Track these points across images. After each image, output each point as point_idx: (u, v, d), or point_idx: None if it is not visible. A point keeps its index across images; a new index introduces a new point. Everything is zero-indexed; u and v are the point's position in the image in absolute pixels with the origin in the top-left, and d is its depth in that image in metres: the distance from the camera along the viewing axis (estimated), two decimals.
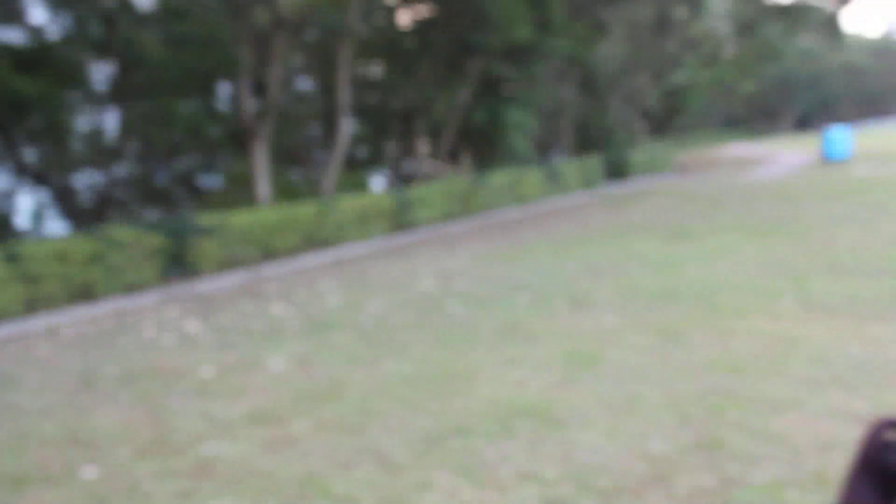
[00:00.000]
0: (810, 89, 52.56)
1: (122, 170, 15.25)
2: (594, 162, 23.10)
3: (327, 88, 17.04)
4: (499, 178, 18.47)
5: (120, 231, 10.81)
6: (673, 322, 7.08)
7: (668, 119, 31.41)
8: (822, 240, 10.99)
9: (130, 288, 10.41)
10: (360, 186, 18.55)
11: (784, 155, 31.01)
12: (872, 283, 8.12)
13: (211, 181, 17.33)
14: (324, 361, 6.73)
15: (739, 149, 37.86)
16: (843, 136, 26.07)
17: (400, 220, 15.40)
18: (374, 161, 20.57)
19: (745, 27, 29.84)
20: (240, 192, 15.52)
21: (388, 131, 19.43)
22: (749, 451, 4.45)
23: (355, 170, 19.92)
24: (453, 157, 20.61)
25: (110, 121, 15.11)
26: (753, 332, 6.61)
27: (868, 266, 8.99)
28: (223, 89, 16.96)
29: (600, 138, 25.48)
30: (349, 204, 14.38)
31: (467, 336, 7.21)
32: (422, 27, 19.23)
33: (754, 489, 4.01)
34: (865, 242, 10.53)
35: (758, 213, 14.41)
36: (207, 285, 10.77)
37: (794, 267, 9.22)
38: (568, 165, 21.67)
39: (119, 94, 14.85)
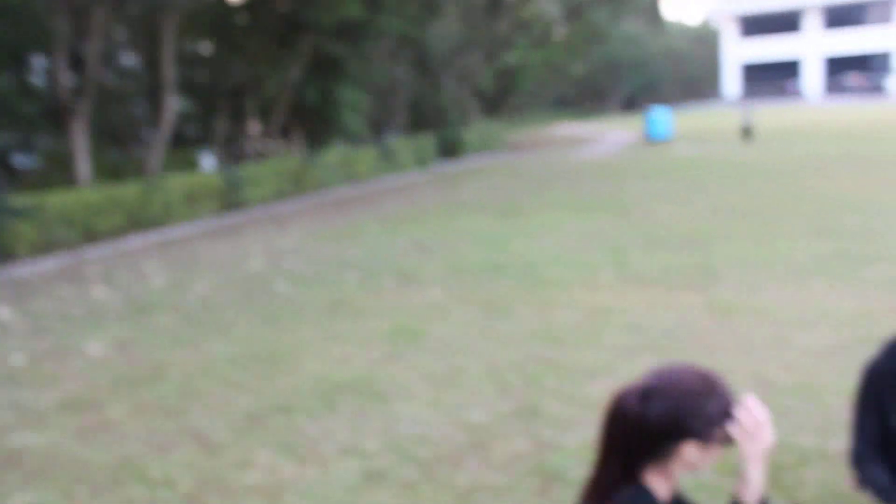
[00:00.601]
0: (636, 72, 54.69)
1: None
2: (428, 141, 23.29)
3: (153, 64, 16.41)
4: (331, 156, 18.35)
5: None
6: (498, 296, 7.26)
7: (501, 99, 31.98)
8: (642, 215, 11.49)
9: None
10: (190, 165, 18.00)
11: (610, 134, 32.19)
12: (685, 255, 8.57)
13: (26, 161, 16.41)
14: (145, 344, 6.53)
15: (569, 128, 39.02)
16: (664, 117, 27.29)
17: (230, 199, 15.07)
18: (203, 140, 20.00)
19: (574, 10, 30.75)
20: (58, 173, 14.76)
21: (218, 109, 18.90)
22: (563, 416, 4.62)
23: (184, 149, 19.31)
24: (285, 135, 20.32)
25: None
26: (573, 304, 6.85)
27: (681, 239, 9.48)
28: (38, 63, 16.06)
29: (434, 117, 25.69)
30: (177, 183, 13.94)
31: (294, 314, 7.15)
32: (252, 3, 18.80)
33: (566, 452, 4.18)
34: (680, 217, 11.09)
35: (583, 191, 14.91)
36: (23, 270, 10.22)
37: (614, 241, 9.61)
38: (401, 144, 21.75)
39: None
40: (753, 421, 2.07)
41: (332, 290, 7.97)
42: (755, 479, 2.19)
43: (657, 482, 2.15)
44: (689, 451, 2.09)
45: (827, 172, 15.07)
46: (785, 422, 4.48)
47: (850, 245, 8.69)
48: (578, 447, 4.21)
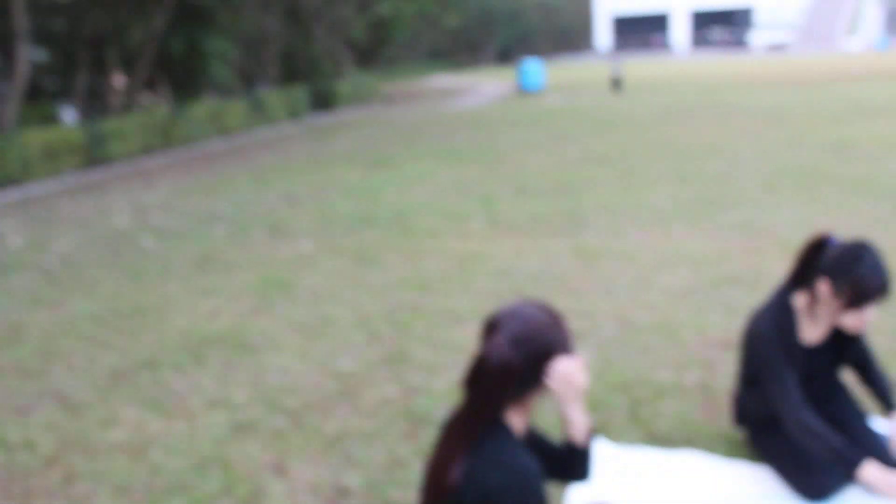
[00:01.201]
0: (509, 24, 55.05)
1: None
2: (300, 93, 22.92)
3: (3, 11, 15.54)
4: (200, 109, 17.86)
5: None
6: (368, 245, 7.26)
7: (375, 50, 31.71)
8: (513, 164, 11.65)
9: None
10: (49, 120, 17.24)
11: (484, 86, 32.37)
12: (553, 202, 8.75)
13: None
14: (1, 306, 6.27)
15: (443, 80, 39.03)
16: (536, 69, 27.62)
17: (93, 154, 14.52)
18: (63, 93, 19.15)
19: None
20: None
21: (78, 60, 18.08)
22: (431, 361, 4.69)
23: (42, 102, 18.46)
24: (151, 87, 19.65)
25: None
26: (443, 252, 6.92)
27: (550, 188, 9.67)
28: None
29: (306, 69, 25.28)
30: (34, 138, 13.33)
31: (161, 270, 6.99)
32: None
33: (433, 395, 4.25)
34: (550, 166, 11.29)
35: (455, 141, 14.99)
36: None
37: (485, 190, 9.72)
38: (273, 96, 21.34)
39: None
40: (567, 367, 2.19)
41: (200, 244, 7.82)
42: (578, 419, 2.36)
43: (516, 420, 2.23)
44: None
45: (690, 122, 15.58)
46: (644, 358, 4.68)
47: (710, 191, 9.04)
48: (445, 390, 4.28)
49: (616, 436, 3.83)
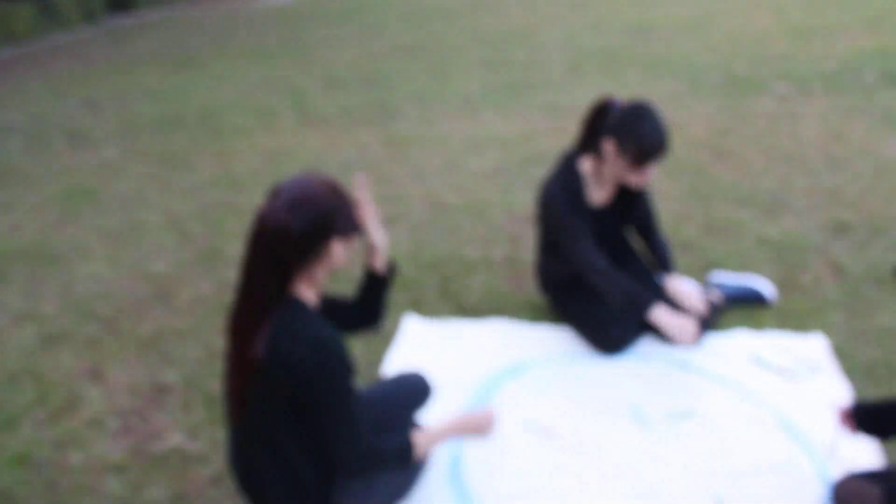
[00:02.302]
0: None
1: None
2: None
3: None
4: None
5: None
6: (176, 148, 7.08)
7: None
8: (323, 59, 11.49)
9: None
10: None
11: None
12: (364, 94, 8.75)
13: None
14: None
15: None
16: None
17: None
18: None
19: None
20: None
21: None
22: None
23: None
24: None
25: None
26: (253, 149, 6.84)
27: (360, 80, 9.64)
28: None
29: None
30: None
31: None
32: None
33: None
34: (361, 59, 11.21)
35: (265, 38, 14.59)
36: None
37: (295, 85, 9.58)
38: None
39: None
40: (364, 196, 2.34)
41: None
42: (380, 243, 2.54)
43: (306, 292, 2.29)
44: (336, 248, 2.24)
45: (499, 10, 15.74)
46: (454, 237, 4.85)
47: (518, 76, 9.26)
48: None
49: (428, 311, 4.00)
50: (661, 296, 3.72)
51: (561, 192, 3.56)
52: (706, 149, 6.40)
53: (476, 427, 2.78)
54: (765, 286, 4.00)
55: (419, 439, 2.46)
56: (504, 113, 7.74)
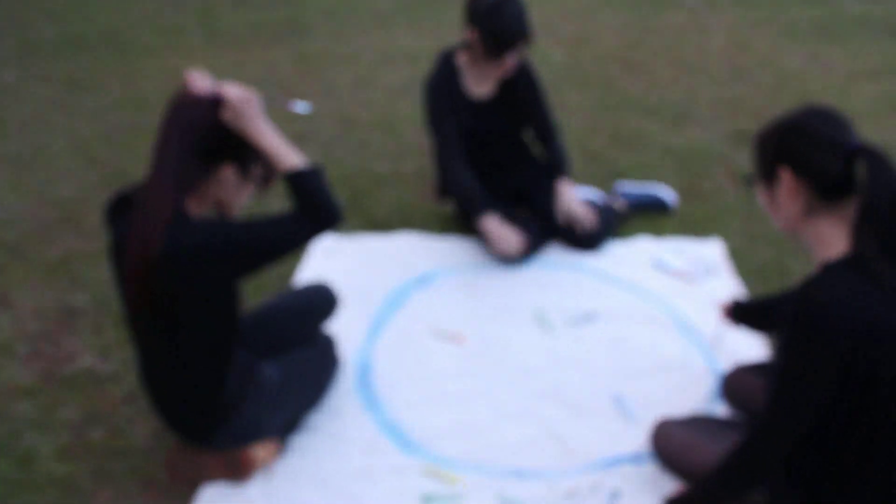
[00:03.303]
0: None
1: None
2: None
3: None
4: None
5: None
6: (80, 70, 6.89)
7: None
8: None
9: None
10: None
11: None
12: (273, 11, 8.57)
13: None
14: None
15: None
16: None
17: None
18: None
19: None
20: None
21: None
22: None
23: None
24: None
25: None
26: (161, 70, 6.70)
27: None
28: None
29: None
30: None
31: None
32: None
33: None
34: None
35: None
36: None
37: (202, 2, 9.35)
38: None
39: None
40: (237, 96, 2.21)
41: None
42: (273, 148, 2.28)
43: (197, 211, 2.30)
44: (228, 173, 2.26)
45: None
46: (365, 152, 4.90)
47: None
48: None
49: (339, 225, 4.05)
50: (550, 199, 3.79)
51: (434, 81, 3.62)
52: (616, 61, 6.50)
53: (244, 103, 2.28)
54: (667, 193, 4.15)
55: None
56: (416, 27, 7.70)
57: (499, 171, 3.86)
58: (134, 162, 4.90)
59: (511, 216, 3.76)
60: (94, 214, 4.30)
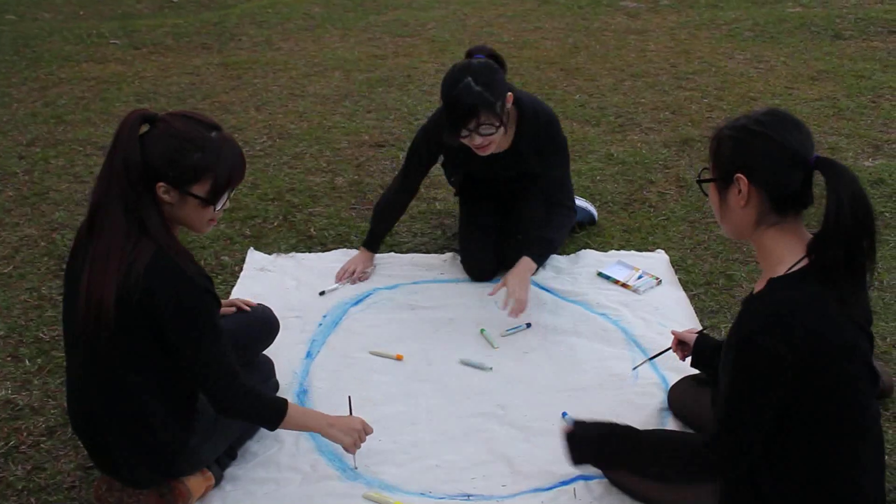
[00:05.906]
0: None
1: None
2: None
3: None
4: None
5: None
6: None
7: None
8: None
9: None
10: None
11: None
12: (197, 16, 8.53)
13: None
14: None
15: None
16: None
17: None
18: None
19: None
20: None
21: None
22: (68, 193, 4.59)
23: None
24: None
25: None
26: (80, 78, 6.59)
27: (195, 2, 9.38)
28: None
29: None
30: None
31: None
32: None
33: (76, 229, 4.19)
34: None
35: None
36: None
37: (123, 8, 9.26)
38: None
39: None
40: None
41: None
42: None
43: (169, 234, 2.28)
44: (163, 189, 2.22)
45: None
46: (299, 165, 4.88)
47: None
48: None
49: (273, 242, 4.04)
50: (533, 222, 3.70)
51: (425, 131, 3.60)
52: (556, 67, 6.58)
53: (345, 430, 2.57)
54: (590, 206, 4.22)
55: (292, 411, 2.46)
56: (348, 34, 7.72)
57: (500, 200, 3.88)
58: (51, 179, 4.80)
59: (495, 230, 3.80)
60: (9, 235, 4.21)
